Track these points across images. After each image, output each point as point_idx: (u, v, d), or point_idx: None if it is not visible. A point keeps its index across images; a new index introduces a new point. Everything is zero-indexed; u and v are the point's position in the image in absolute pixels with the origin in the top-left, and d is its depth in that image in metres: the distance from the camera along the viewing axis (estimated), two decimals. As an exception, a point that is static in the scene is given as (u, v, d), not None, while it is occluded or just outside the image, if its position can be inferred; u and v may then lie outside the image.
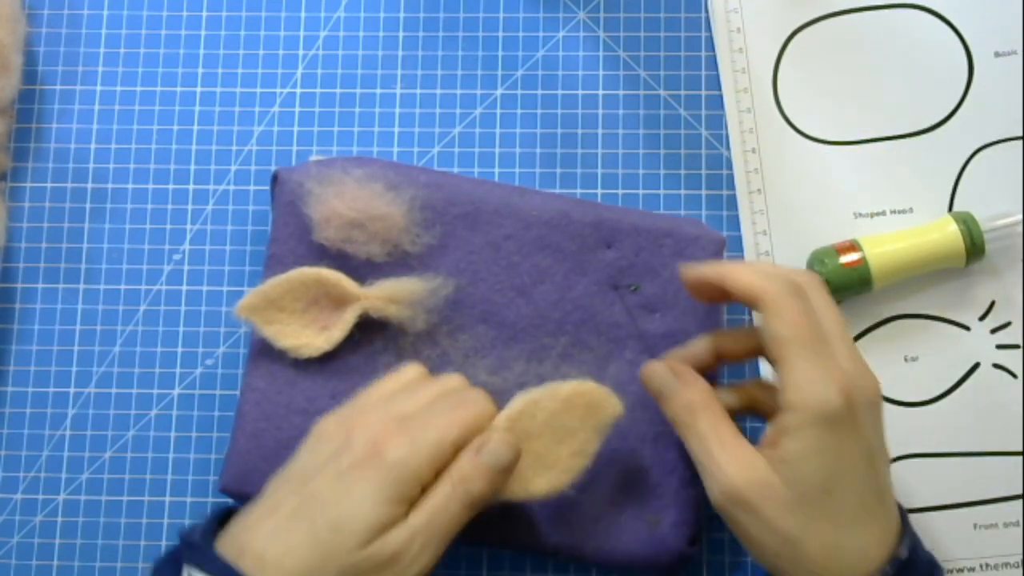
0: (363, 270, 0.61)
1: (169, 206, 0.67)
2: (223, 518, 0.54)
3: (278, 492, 0.53)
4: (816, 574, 0.51)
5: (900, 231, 0.64)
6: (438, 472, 0.52)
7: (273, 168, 0.66)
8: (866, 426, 0.51)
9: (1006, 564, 0.62)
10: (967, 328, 0.65)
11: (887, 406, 0.63)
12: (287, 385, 0.60)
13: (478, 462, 0.53)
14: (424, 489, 0.51)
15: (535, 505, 0.60)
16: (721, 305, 0.62)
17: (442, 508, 0.52)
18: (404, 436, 0.51)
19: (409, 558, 0.50)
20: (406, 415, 0.53)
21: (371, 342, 0.61)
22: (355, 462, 0.51)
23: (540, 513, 0.60)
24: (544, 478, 0.56)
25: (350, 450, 0.52)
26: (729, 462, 0.51)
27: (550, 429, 0.56)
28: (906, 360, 0.64)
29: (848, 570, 0.50)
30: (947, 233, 0.62)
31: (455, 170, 0.66)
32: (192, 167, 0.67)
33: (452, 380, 0.57)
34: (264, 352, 0.61)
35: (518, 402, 0.56)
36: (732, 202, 0.66)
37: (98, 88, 0.68)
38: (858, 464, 0.50)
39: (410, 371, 0.58)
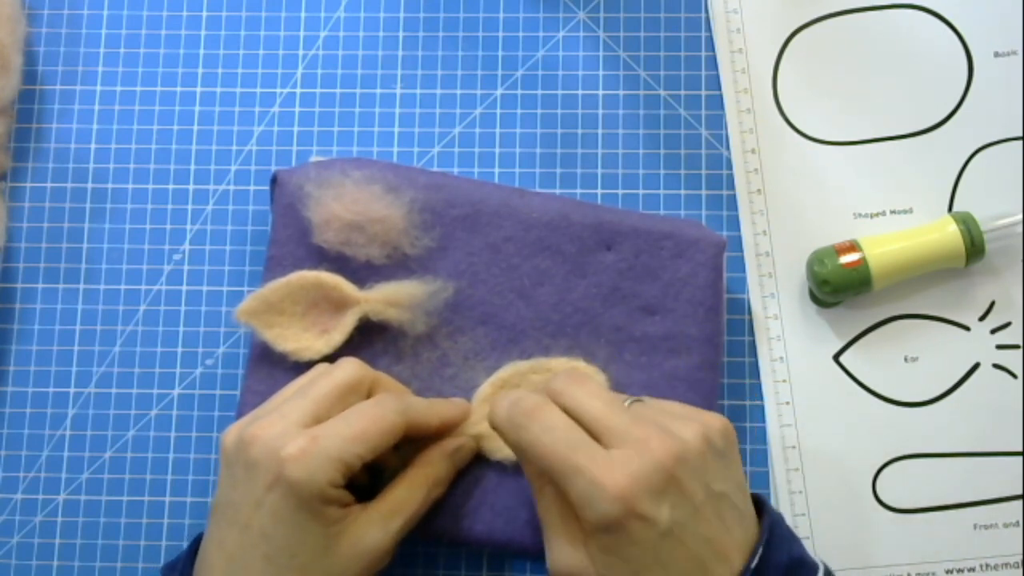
0: (362, 273, 0.61)
1: (169, 206, 0.67)
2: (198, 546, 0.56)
3: (219, 526, 0.54)
4: None
5: (900, 231, 0.64)
6: (350, 474, 0.53)
7: (273, 168, 0.66)
8: (660, 509, 0.49)
9: (1006, 564, 0.62)
10: (967, 328, 0.65)
11: (887, 407, 0.64)
12: (287, 388, 0.60)
13: (451, 465, 0.58)
14: (348, 475, 0.53)
15: (533, 506, 0.60)
16: (721, 307, 0.62)
17: (411, 499, 0.56)
18: (304, 453, 0.51)
19: (372, 539, 0.54)
20: (304, 420, 0.53)
21: (371, 345, 0.61)
22: (267, 483, 0.52)
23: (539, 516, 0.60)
24: None
25: (257, 470, 0.52)
26: (560, 545, 0.52)
27: None
28: (906, 360, 0.64)
29: None
30: (947, 233, 0.62)
31: (455, 170, 0.66)
32: (192, 167, 0.67)
33: (347, 370, 0.56)
34: (264, 356, 0.61)
35: (507, 370, 0.60)
36: (732, 202, 0.66)
37: (98, 88, 0.68)
38: (659, 548, 0.49)
39: (319, 367, 0.58)
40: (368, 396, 0.57)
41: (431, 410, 0.58)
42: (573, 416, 0.52)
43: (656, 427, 0.51)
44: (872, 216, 0.65)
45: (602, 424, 0.51)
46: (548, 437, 0.51)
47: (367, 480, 0.58)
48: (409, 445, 0.58)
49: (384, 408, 0.55)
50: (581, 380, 0.54)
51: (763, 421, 0.64)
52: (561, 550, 0.52)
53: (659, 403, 0.55)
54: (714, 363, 0.62)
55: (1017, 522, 0.63)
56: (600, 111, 0.67)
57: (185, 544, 0.63)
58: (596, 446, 0.50)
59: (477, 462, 0.60)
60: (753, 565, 0.50)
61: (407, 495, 0.56)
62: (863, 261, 0.62)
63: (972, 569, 0.62)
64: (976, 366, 0.64)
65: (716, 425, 0.52)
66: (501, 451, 0.59)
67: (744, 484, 0.53)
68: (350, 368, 0.56)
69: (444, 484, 0.58)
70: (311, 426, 0.53)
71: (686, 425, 0.51)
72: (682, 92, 0.67)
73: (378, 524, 0.54)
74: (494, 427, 0.54)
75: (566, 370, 0.55)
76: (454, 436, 0.59)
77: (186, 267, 0.66)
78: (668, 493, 0.49)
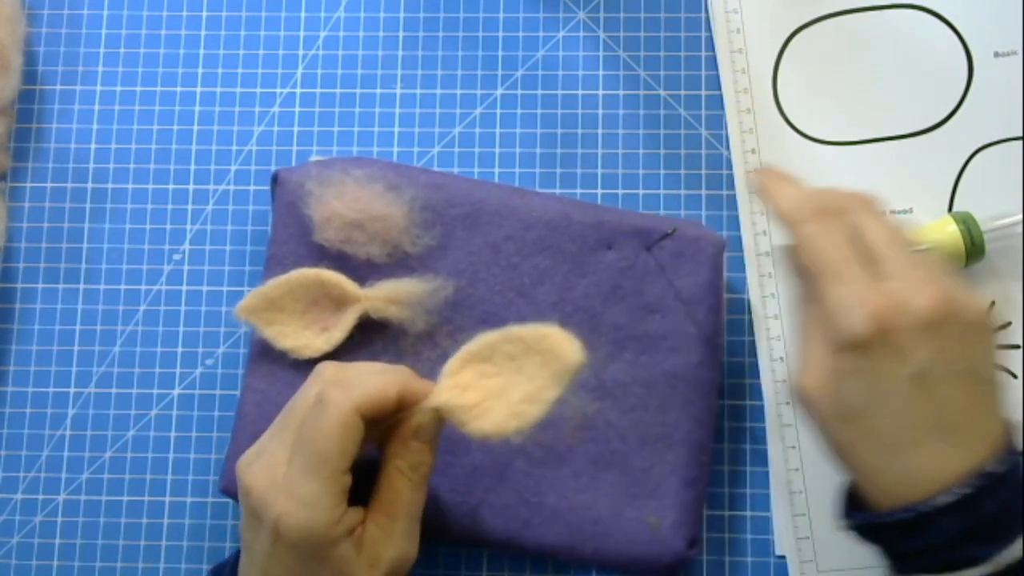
0: (363, 271, 0.61)
1: (169, 206, 0.67)
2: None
3: (246, 559, 0.53)
4: (866, 490, 0.49)
5: None
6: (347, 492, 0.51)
7: (273, 168, 0.66)
8: (917, 349, 0.47)
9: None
10: (967, 328, 0.65)
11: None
12: (287, 386, 0.60)
13: (421, 447, 0.53)
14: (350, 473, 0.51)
15: (534, 506, 0.60)
16: (721, 307, 0.62)
17: (399, 498, 0.53)
18: (287, 513, 0.49)
19: (386, 551, 0.52)
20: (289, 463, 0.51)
21: (371, 343, 0.61)
22: (271, 536, 0.50)
23: (539, 514, 0.60)
24: (489, 419, 0.53)
25: (259, 520, 0.51)
26: (804, 358, 0.50)
27: (506, 371, 0.54)
28: (906, 360, 0.64)
29: (892, 493, 0.48)
30: (947, 233, 0.62)
31: (455, 170, 0.66)
32: (192, 167, 0.67)
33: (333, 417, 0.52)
34: (264, 353, 0.61)
35: (478, 341, 0.54)
36: (732, 202, 0.66)
37: (98, 88, 0.68)
38: (901, 388, 0.47)
39: (307, 397, 0.53)
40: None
41: (383, 384, 0.53)
42: (856, 235, 0.50)
43: (940, 278, 0.48)
44: (872, 216, 0.65)
45: (884, 251, 0.49)
46: (826, 240, 0.49)
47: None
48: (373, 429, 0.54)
49: (329, 411, 0.51)
50: (873, 206, 0.52)
51: (763, 421, 0.63)
52: (808, 365, 0.50)
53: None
54: (714, 362, 0.62)
55: (1017, 522, 0.62)
56: (600, 111, 0.67)
57: (184, 544, 0.63)
58: (868, 269, 0.49)
59: (476, 461, 0.60)
60: (1003, 468, 0.46)
61: (394, 496, 0.53)
62: None
63: (972, 569, 0.62)
64: (976, 366, 0.64)
65: (989, 310, 0.50)
66: (473, 422, 0.53)
67: (1001, 384, 0.50)
68: (336, 413, 0.51)
69: (425, 465, 0.54)
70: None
71: (973, 294, 0.49)
72: (682, 92, 0.67)
73: (383, 537, 0.52)
74: (777, 210, 0.52)
75: (857, 192, 0.52)
76: (411, 413, 0.54)
77: (186, 267, 0.66)
78: (930, 338, 0.47)
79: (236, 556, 0.56)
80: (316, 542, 0.50)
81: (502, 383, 0.54)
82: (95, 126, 0.68)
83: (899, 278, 0.48)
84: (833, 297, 0.48)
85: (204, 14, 0.69)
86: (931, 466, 0.47)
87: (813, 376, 0.50)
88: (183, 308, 0.66)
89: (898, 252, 0.49)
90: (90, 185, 0.67)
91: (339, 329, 0.60)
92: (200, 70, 0.68)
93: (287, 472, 0.50)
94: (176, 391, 0.65)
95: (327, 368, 0.53)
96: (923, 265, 0.49)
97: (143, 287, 0.66)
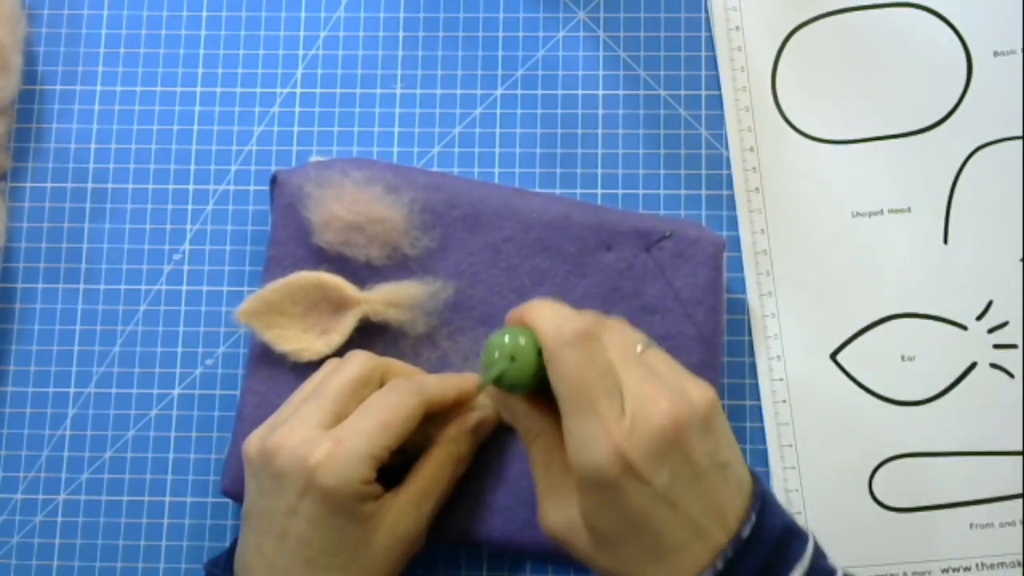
0: (362, 273, 0.61)
1: (169, 206, 0.67)
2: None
3: (254, 533, 0.54)
4: None
5: None
6: (379, 466, 0.53)
7: (273, 168, 0.66)
8: (658, 473, 0.47)
9: (1002, 564, 0.62)
10: (964, 327, 0.65)
11: (883, 406, 0.64)
12: (287, 388, 0.59)
13: (474, 440, 0.58)
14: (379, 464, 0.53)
15: (534, 507, 0.60)
16: (721, 308, 0.62)
17: (439, 479, 0.57)
18: (331, 457, 0.52)
19: (407, 524, 0.55)
20: (324, 422, 0.53)
21: (371, 346, 0.61)
22: (298, 492, 0.52)
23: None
24: None
25: (285, 479, 0.52)
26: (546, 499, 0.52)
27: None
28: (903, 359, 0.64)
29: None
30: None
31: (455, 170, 0.66)
32: (192, 167, 0.67)
33: (357, 363, 0.56)
34: (264, 356, 0.61)
35: None
36: (732, 202, 0.66)
37: (98, 88, 0.68)
38: (651, 511, 0.48)
39: (330, 363, 0.58)
40: (381, 384, 0.57)
41: (446, 384, 0.58)
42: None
43: (668, 386, 0.49)
44: (870, 215, 0.66)
45: (620, 371, 0.49)
46: (590, 371, 0.49)
47: (390, 461, 0.58)
48: (428, 421, 0.57)
49: (400, 393, 0.55)
50: (610, 326, 0.52)
51: (761, 421, 0.64)
52: (552, 505, 0.52)
53: (666, 357, 0.52)
54: (713, 363, 0.62)
55: (1013, 521, 0.63)
56: (600, 111, 0.67)
57: (184, 544, 0.63)
58: (617, 397, 0.49)
59: (477, 463, 0.60)
60: (746, 534, 0.49)
61: (434, 476, 0.57)
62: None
63: (968, 568, 0.62)
64: (973, 365, 0.64)
65: (714, 392, 0.51)
66: None
67: (739, 452, 0.52)
68: (359, 361, 0.56)
69: (468, 460, 0.59)
70: (332, 427, 0.53)
71: (695, 386, 0.50)
72: (682, 92, 0.67)
73: (411, 510, 0.55)
74: (539, 331, 0.50)
75: (605, 321, 0.52)
76: (474, 409, 0.59)
77: (186, 267, 0.66)
78: (671, 456, 0.48)
79: (231, 547, 0.57)
80: (349, 494, 0.52)
81: None
82: (95, 126, 0.68)
83: (636, 400, 0.48)
84: (578, 430, 0.48)
85: (204, 14, 0.69)
86: (696, 556, 0.48)
87: (562, 515, 0.51)
88: (183, 308, 0.66)
89: (630, 371, 0.49)
90: (90, 185, 0.67)
91: (339, 332, 0.60)
92: (200, 70, 0.68)
93: (335, 429, 0.53)
94: (176, 391, 0.65)
95: (360, 353, 0.57)
96: (655, 377, 0.50)
97: (143, 287, 0.66)
